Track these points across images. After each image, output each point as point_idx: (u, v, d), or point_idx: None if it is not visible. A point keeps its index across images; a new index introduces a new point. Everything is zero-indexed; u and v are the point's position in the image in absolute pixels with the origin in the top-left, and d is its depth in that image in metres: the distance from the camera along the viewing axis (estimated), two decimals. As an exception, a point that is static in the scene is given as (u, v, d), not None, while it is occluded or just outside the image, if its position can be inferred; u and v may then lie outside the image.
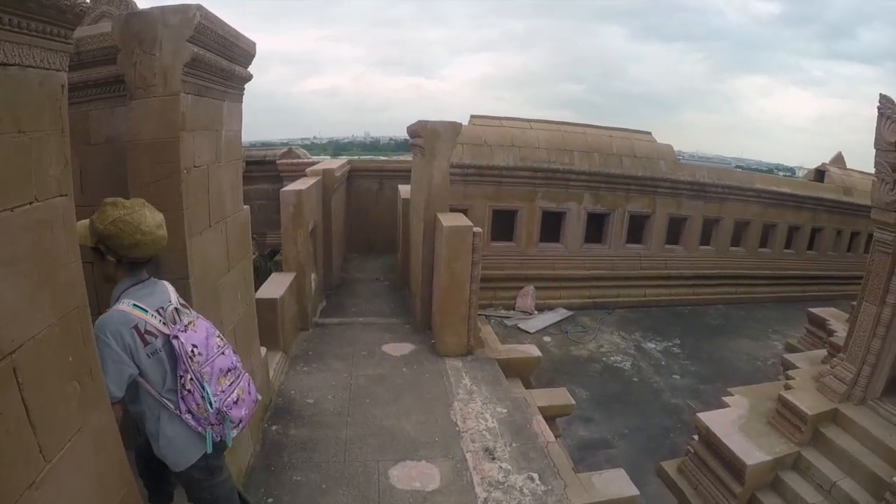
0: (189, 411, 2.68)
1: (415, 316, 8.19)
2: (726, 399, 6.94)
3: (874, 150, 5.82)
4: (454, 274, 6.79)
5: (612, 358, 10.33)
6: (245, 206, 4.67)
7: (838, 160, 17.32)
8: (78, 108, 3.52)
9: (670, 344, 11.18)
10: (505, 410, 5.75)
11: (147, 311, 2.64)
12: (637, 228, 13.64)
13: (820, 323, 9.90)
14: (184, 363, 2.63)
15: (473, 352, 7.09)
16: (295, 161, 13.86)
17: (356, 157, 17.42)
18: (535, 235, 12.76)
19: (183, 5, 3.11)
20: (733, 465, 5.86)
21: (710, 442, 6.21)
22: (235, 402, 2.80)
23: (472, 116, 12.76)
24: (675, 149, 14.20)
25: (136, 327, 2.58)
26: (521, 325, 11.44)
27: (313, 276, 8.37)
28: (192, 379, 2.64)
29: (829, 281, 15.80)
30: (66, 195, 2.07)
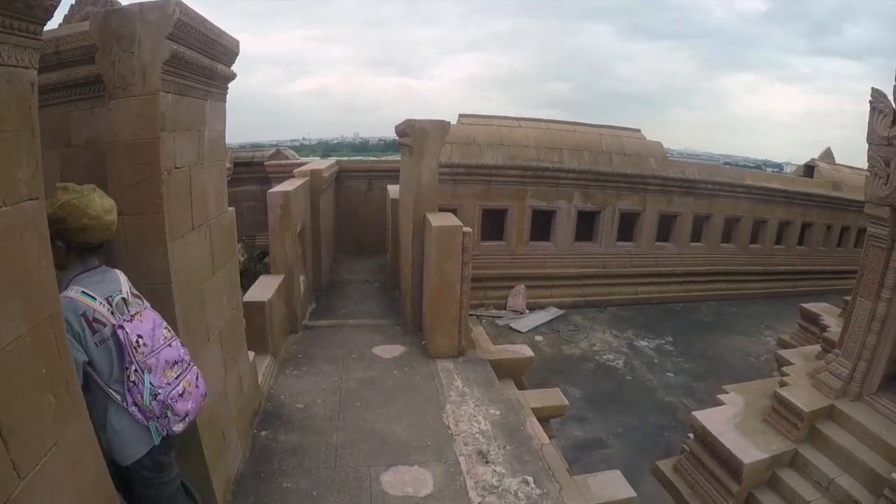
0: (135, 403, 2.62)
1: (405, 317, 8.11)
2: (721, 397, 6.89)
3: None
4: (444, 274, 6.71)
5: (605, 356, 10.28)
6: (230, 208, 4.56)
7: (827, 156, 17.37)
8: (58, 109, 3.44)
9: (663, 341, 11.15)
10: (498, 412, 5.67)
11: (95, 299, 2.60)
12: (628, 226, 13.61)
13: (812, 318, 9.89)
14: (129, 354, 2.59)
15: (465, 353, 7.01)
16: (283, 162, 13.78)
17: (345, 158, 17.34)
18: (526, 234, 12.71)
19: (162, 1, 3.01)
20: (730, 464, 5.81)
21: (706, 440, 6.16)
22: (181, 395, 2.76)
23: (461, 115, 12.69)
24: (664, 146, 14.17)
25: (84, 315, 2.53)
26: (513, 325, 11.37)
27: (302, 278, 8.28)
28: (136, 370, 2.60)
29: (820, 276, 15.89)
30: (37, 198, 1.97)
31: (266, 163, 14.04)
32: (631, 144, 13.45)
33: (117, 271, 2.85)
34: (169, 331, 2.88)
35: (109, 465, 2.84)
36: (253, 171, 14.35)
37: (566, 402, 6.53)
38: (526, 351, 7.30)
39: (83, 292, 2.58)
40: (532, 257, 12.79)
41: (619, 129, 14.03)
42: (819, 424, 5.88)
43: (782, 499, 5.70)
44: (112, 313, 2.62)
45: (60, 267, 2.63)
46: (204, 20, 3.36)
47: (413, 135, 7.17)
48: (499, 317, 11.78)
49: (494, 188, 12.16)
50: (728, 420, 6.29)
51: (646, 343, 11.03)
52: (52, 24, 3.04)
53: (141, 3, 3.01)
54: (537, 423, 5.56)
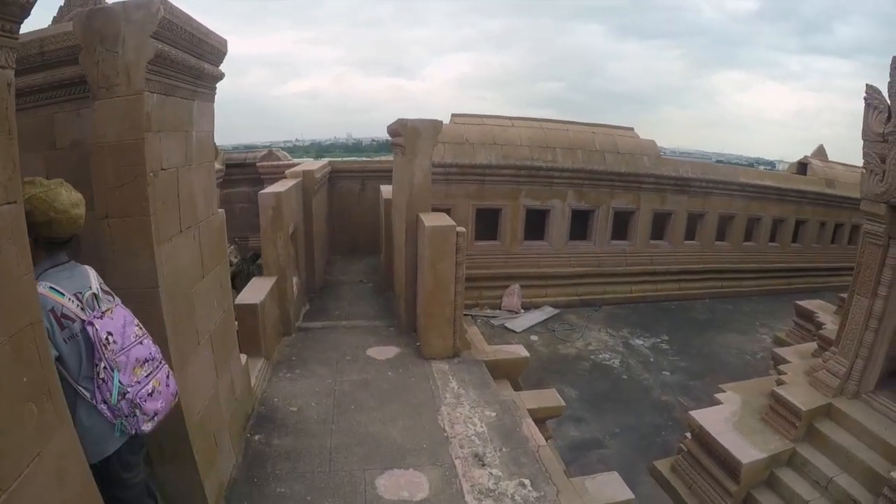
0: (104, 401, 2.57)
1: (399, 318, 8.06)
2: (718, 396, 6.87)
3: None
4: (438, 275, 6.66)
5: (601, 356, 10.24)
6: (220, 210, 4.49)
7: (820, 153, 17.41)
8: (43, 111, 3.38)
9: (658, 340, 11.12)
10: (494, 414, 5.62)
11: (64, 295, 2.54)
12: (622, 225, 13.59)
13: (808, 315, 9.88)
14: (98, 351, 2.54)
15: (460, 354, 6.96)
16: (275, 163, 13.74)
17: (339, 159, 17.30)
18: (520, 234, 12.67)
19: (146, 0, 2.94)
20: (728, 464, 5.78)
21: (704, 440, 6.13)
22: (150, 394, 2.71)
23: (454, 115, 12.65)
24: (657, 145, 14.16)
25: (52, 310, 2.47)
26: (508, 325, 11.32)
27: (295, 279, 8.22)
28: (105, 367, 2.55)
29: (814, 273, 15.91)
30: (15, 202, 1.91)
31: (258, 164, 14.00)
32: (624, 143, 13.43)
33: (87, 267, 2.80)
34: (140, 328, 2.83)
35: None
36: (245, 173, 14.31)
37: (562, 403, 6.49)
38: (521, 351, 7.25)
39: (51, 288, 2.52)
40: (526, 257, 12.76)
41: (612, 127, 14.01)
42: (817, 423, 5.86)
43: (781, 498, 5.67)
44: (82, 309, 2.57)
45: None
46: (190, 19, 3.30)
47: (405, 134, 7.12)
48: (494, 317, 11.73)
49: (488, 188, 12.12)
50: (725, 419, 6.26)
51: (641, 342, 11.00)
52: (43, 24, 2.98)
53: (125, 2, 2.94)
54: (533, 424, 5.50)
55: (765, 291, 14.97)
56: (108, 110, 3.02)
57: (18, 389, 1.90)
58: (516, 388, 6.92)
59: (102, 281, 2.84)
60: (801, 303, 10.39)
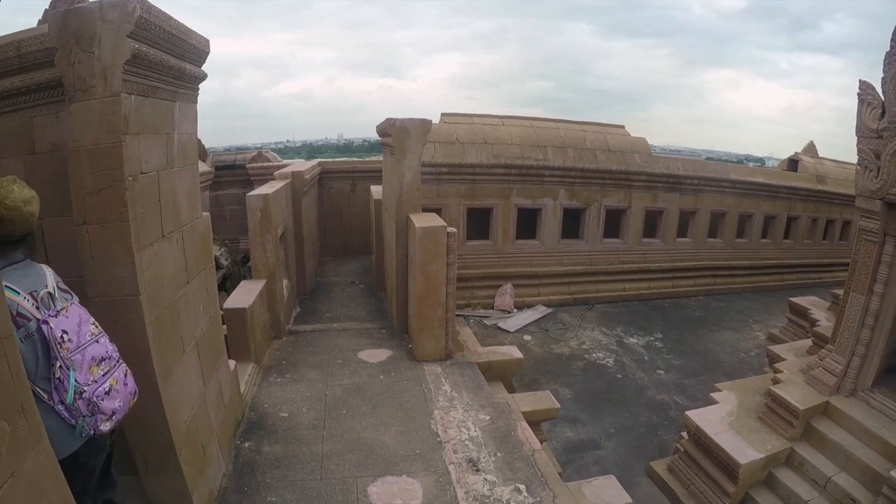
0: (61, 401, 2.51)
1: (391, 320, 7.99)
2: (714, 395, 6.81)
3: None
4: (429, 276, 6.57)
5: (595, 355, 10.17)
6: (205, 214, 4.39)
7: (810, 149, 17.44)
8: (21, 114, 3.29)
9: (652, 338, 11.07)
10: (488, 418, 5.54)
11: (19, 294, 2.49)
12: (614, 223, 13.54)
13: (801, 312, 9.87)
14: (54, 349, 2.49)
15: (452, 356, 6.88)
16: (265, 164, 13.66)
17: (330, 160, 17.24)
18: (512, 233, 12.59)
19: (123, -1, 2.85)
20: (726, 464, 5.73)
21: (701, 441, 6.07)
22: (107, 393, 2.65)
23: (443, 114, 12.58)
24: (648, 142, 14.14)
25: None
26: (501, 325, 11.24)
27: (285, 282, 8.13)
28: (61, 366, 2.50)
29: (807, 269, 15.97)
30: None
31: (248, 165, 13.92)
32: (615, 141, 13.37)
33: (44, 266, 2.75)
34: (96, 327, 2.77)
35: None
36: (235, 174, 14.23)
37: (557, 405, 6.41)
38: (515, 352, 7.17)
39: (6, 286, 2.44)
40: (518, 256, 12.69)
41: (603, 125, 13.95)
42: (814, 422, 5.82)
43: (779, 498, 5.63)
44: (37, 308, 2.52)
45: None
46: (169, 18, 3.20)
47: (394, 134, 7.02)
48: (486, 316, 11.65)
49: (479, 187, 12.04)
50: (722, 419, 6.20)
51: (635, 340, 10.94)
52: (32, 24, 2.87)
53: (100, 2, 2.85)
54: (528, 427, 5.43)
55: (758, 288, 14.99)
56: (85, 113, 2.93)
57: (-12, 407, 1.81)
58: (510, 389, 6.86)
59: (60, 279, 2.79)
60: (794, 299, 10.39)
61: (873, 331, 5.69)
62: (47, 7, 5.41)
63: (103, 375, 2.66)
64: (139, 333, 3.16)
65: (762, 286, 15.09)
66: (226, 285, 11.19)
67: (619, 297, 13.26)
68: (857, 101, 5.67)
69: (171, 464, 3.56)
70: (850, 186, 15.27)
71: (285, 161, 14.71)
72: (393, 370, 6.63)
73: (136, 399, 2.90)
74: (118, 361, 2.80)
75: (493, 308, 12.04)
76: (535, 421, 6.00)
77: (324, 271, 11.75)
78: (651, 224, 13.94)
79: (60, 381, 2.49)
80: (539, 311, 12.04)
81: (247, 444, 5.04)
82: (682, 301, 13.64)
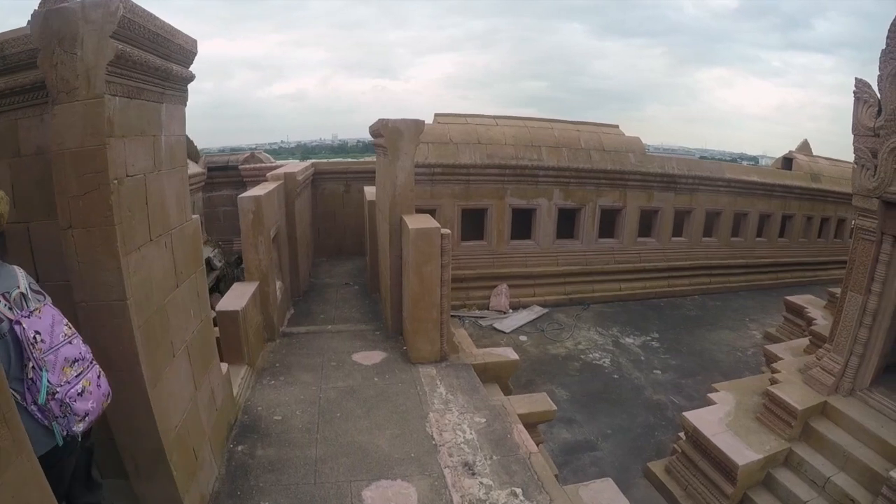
0: (34, 402, 2.49)
1: (385, 321, 7.93)
2: (712, 396, 6.79)
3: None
4: (423, 278, 6.52)
5: (591, 355, 10.14)
6: (194, 216, 4.33)
7: (804, 147, 17.48)
8: (6, 116, 3.22)
9: (649, 338, 11.05)
10: (483, 420, 5.48)
11: None
12: (609, 223, 13.53)
13: (797, 311, 9.85)
14: (27, 350, 2.47)
15: (448, 357, 6.82)
16: (258, 166, 13.63)
17: (324, 160, 17.21)
18: (506, 233, 12.57)
19: (106, -2, 2.79)
20: (724, 466, 5.70)
21: (699, 442, 6.04)
22: (80, 394, 2.62)
23: (437, 115, 12.54)
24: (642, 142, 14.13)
25: None
26: (497, 325, 11.21)
27: (278, 283, 8.07)
28: (34, 367, 2.48)
29: (802, 267, 16.00)
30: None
31: (241, 167, 13.88)
32: (610, 140, 13.36)
33: (15, 267, 2.70)
34: (70, 328, 2.73)
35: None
36: (228, 176, 14.20)
37: (553, 407, 6.35)
38: (511, 354, 7.11)
39: None
40: (513, 256, 12.66)
41: (597, 125, 13.93)
42: (813, 422, 5.79)
43: (778, 499, 5.60)
44: (10, 309, 2.49)
45: None
46: (154, 17, 3.14)
47: (387, 135, 6.97)
48: (482, 317, 11.62)
49: (473, 187, 12.01)
50: (720, 420, 6.18)
51: (631, 340, 10.92)
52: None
53: (83, 1, 2.79)
54: (524, 430, 5.36)
55: (753, 287, 15.01)
56: (68, 115, 2.87)
57: (-33, 418, 1.76)
58: (506, 391, 6.81)
59: (32, 280, 2.75)
60: (790, 298, 10.39)
61: (871, 330, 5.67)
62: (37, 7, 5.36)
63: (76, 376, 2.63)
64: (127, 338, 3.10)
65: (758, 285, 15.11)
66: (220, 287, 11.14)
67: (614, 296, 13.24)
68: (851, 99, 5.65)
69: (162, 469, 3.50)
70: (844, 184, 15.37)
71: (278, 162, 14.68)
72: (387, 372, 6.57)
73: (109, 400, 2.87)
74: (91, 363, 2.77)
75: (488, 309, 12.00)
76: (531, 423, 5.95)
77: (318, 272, 11.70)
78: (646, 223, 13.93)
79: (33, 381, 2.46)
80: (535, 312, 12.01)
81: (240, 448, 4.98)
82: (677, 300, 13.64)
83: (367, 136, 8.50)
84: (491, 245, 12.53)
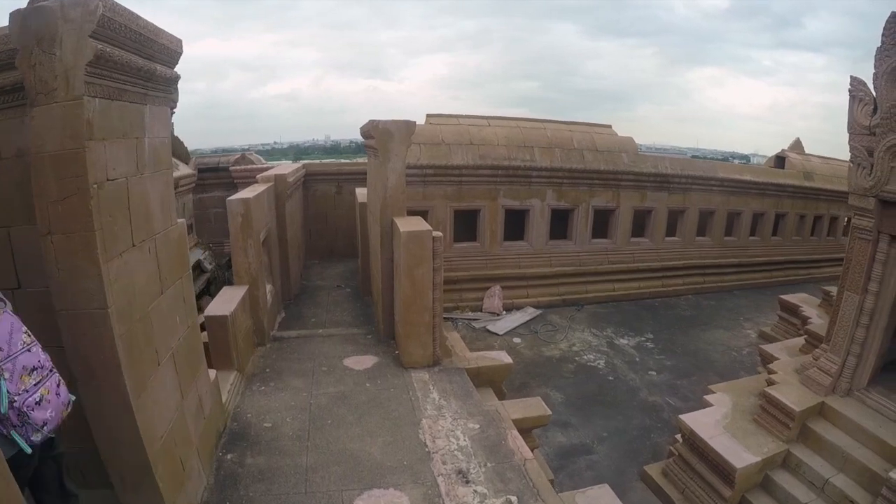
0: None
1: (377, 325, 7.85)
2: (708, 398, 6.74)
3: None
4: (415, 282, 6.44)
5: (586, 357, 10.08)
6: (180, 220, 4.22)
7: (797, 146, 17.50)
8: (-15, 119, 3.11)
9: (643, 339, 11.00)
10: (477, 426, 5.39)
11: None
12: (602, 223, 13.49)
13: (792, 309, 9.82)
14: None
15: (440, 362, 6.74)
16: (248, 167, 13.52)
17: (317, 161, 17.12)
18: (499, 234, 12.50)
19: (86, -4, 2.70)
20: (721, 469, 5.65)
21: (695, 444, 5.98)
22: (38, 403, 2.58)
23: (429, 115, 12.46)
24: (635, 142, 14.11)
25: None
26: (490, 327, 11.13)
27: (269, 286, 7.96)
28: None
29: (795, 265, 16.02)
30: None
31: (232, 168, 13.75)
32: (602, 140, 13.31)
33: None
34: (29, 336, 2.68)
35: None
36: (219, 177, 14.09)
37: (548, 412, 6.27)
38: (504, 357, 7.03)
39: None
40: (506, 257, 12.60)
41: (590, 125, 13.89)
42: (810, 423, 5.74)
43: (776, 501, 5.57)
44: None
45: None
46: (136, 17, 3.04)
47: (377, 136, 6.88)
48: (475, 319, 11.54)
49: (466, 188, 11.93)
50: (717, 422, 6.12)
51: (626, 341, 10.86)
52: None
53: (62, 0, 2.69)
54: (519, 436, 5.28)
55: (747, 285, 15.01)
56: (47, 118, 2.78)
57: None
58: (500, 395, 6.73)
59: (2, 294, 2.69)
60: (785, 297, 10.35)
61: (868, 329, 5.62)
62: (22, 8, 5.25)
63: (35, 385, 2.58)
64: (108, 347, 3.01)
65: (752, 283, 15.11)
66: (210, 289, 11.04)
67: (608, 297, 13.19)
68: (844, 97, 5.61)
69: (147, 480, 3.42)
70: (836, 182, 15.37)
71: (270, 163, 14.58)
72: (379, 377, 6.48)
73: (69, 409, 2.81)
74: (51, 371, 2.72)
75: (481, 310, 11.94)
76: (526, 428, 5.88)
77: (309, 275, 11.59)
78: (639, 223, 13.89)
79: None
80: (528, 313, 11.94)
81: (229, 456, 4.88)
82: (672, 300, 13.61)
83: (359, 137, 8.42)
84: (484, 246, 12.46)
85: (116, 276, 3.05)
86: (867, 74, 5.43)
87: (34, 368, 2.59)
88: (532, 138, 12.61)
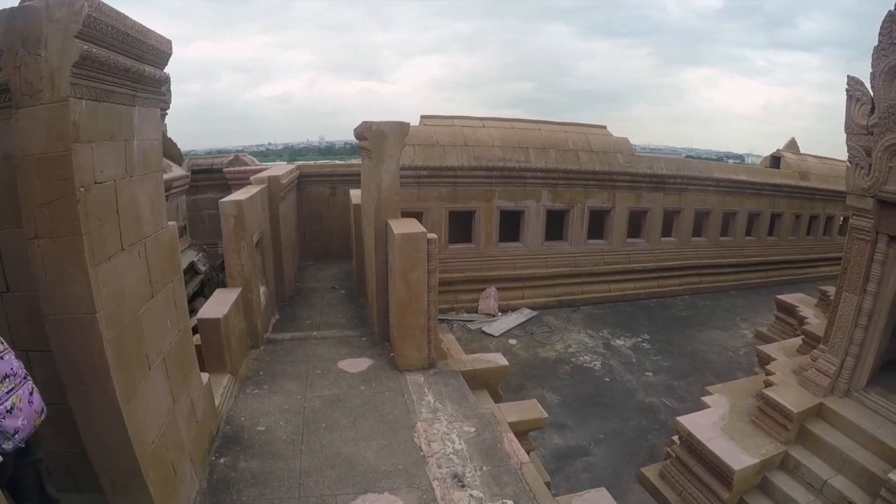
0: None
1: (372, 327, 7.81)
2: (705, 399, 6.71)
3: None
4: (410, 284, 6.39)
5: (582, 358, 10.04)
6: (171, 223, 4.17)
7: (792, 146, 17.48)
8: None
9: (639, 340, 10.96)
10: (473, 429, 5.35)
11: None
12: (598, 224, 13.44)
13: (789, 309, 9.81)
14: None
15: (436, 364, 6.70)
16: (242, 168, 13.44)
17: (311, 162, 17.07)
18: (494, 235, 12.45)
19: (73, -5, 2.65)
20: (719, 471, 5.62)
21: (693, 446, 5.95)
22: (9, 411, 2.58)
23: (423, 116, 12.42)
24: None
25: None
26: (486, 329, 11.08)
27: (262, 288, 7.92)
28: None
29: (791, 265, 16.02)
30: None
31: (225, 169, 13.68)
32: (597, 141, 13.27)
33: None
34: (2, 343, 2.69)
35: None
36: (213, 179, 14.00)
37: (545, 415, 6.23)
38: (500, 360, 6.99)
39: None
40: (502, 258, 12.54)
41: (585, 126, 13.84)
42: (809, 424, 5.72)
43: (775, 503, 5.51)
44: None
45: None
46: (123, 17, 3.00)
47: (371, 138, 6.83)
48: (470, 321, 11.49)
49: (461, 190, 11.88)
50: (714, 424, 6.09)
51: (622, 342, 10.82)
52: None
53: (48, 0, 2.64)
54: (515, 439, 5.24)
55: (743, 285, 14.98)
56: (33, 120, 2.73)
57: None
58: (496, 397, 6.69)
59: None
60: (781, 297, 10.34)
61: (867, 330, 5.60)
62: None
63: (7, 393, 2.57)
64: (97, 353, 2.97)
65: (748, 283, 15.09)
66: (204, 291, 10.96)
67: (604, 298, 13.14)
68: (838, 96, 5.60)
69: (138, 485, 3.38)
70: (832, 182, 15.37)
71: (264, 165, 14.51)
72: (374, 380, 6.43)
73: (43, 417, 2.79)
74: (24, 378, 2.71)
75: (477, 312, 11.88)
76: (522, 431, 5.83)
77: (304, 276, 11.54)
78: (635, 224, 13.85)
79: None
80: (524, 314, 11.90)
81: (222, 460, 4.84)
82: (668, 301, 13.57)
83: (354, 139, 8.37)
84: (479, 247, 12.41)
85: (105, 280, 3.00)
86: (861, 74, 5.42)
87: (6, 376, 2.58)
88: (527, 139, 12.57)
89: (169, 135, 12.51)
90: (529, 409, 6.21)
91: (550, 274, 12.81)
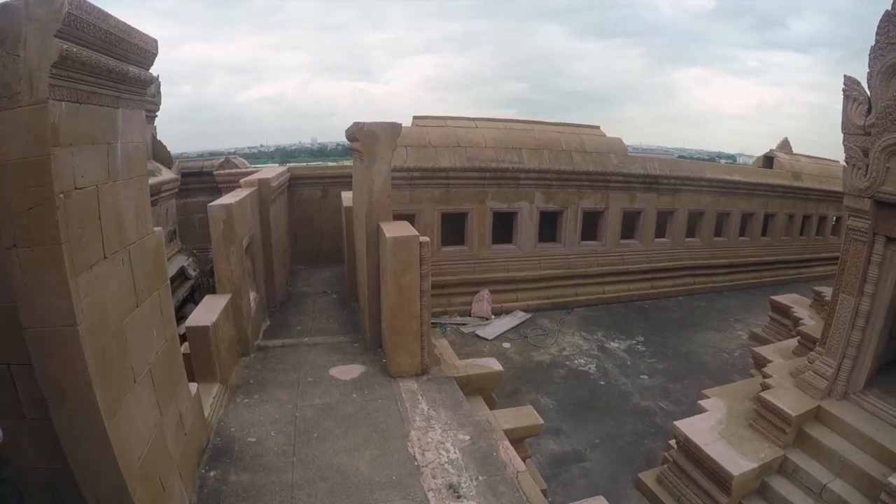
0: None
1: (364, 333, 7.69)
2: (702, 403, 6.64)
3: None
4: (402, 288, 6.28)
5: (576, 361, 9.96)
6: (157, 229, 4.04)
7: (785, 146, 17.52)
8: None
9: (634, 342, 10.90)
10: (468, 438, 5.24)
11: None
12: (591, 225, 13.39)
13: (783, 310, 9.77)
14: None
15: (429, 370, 6.59)
16: (233, 171, 13.33)
17: (303, 164, 16.94)
18: (488, 237, 12.37)
19: (52, -6, 2.52)
20: (717, 475, 5.57)
21: (691, 451, 5.89)
22: None
23: (415, 117, 12.33)
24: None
25: None
26: (479, 332, 10.99)
27: (253, 294, 7.79)
28: None
29: (785, 265, 16.06)
30: None
31: (216, 172, 13.56)
32: (591, 142, 13.21)
33: None
34: None
35: None
36: (203, 182, 13.89)
37: (540, 421, 6.15)
38: (494, 365, 6.89)
39: None
40: (495, 261, 12.47)
41: (578, 126, 13.79)
42: (807, 427, 5.67)
43: (774, 508, 5.45)
44: None
45: None
46: (106, 15, 2.87)
47: (362, 139, 6.71)
48: (464, 324, 11.39)
49: (453, 191, 11.78)
50: (711, 428, 6.02)
51: (617, 344, 10.75)
52: None
53: (27, -2, 2.52)
54: (511, 447, 5.14)
55: (737, 286, 15.01)
56: (11, 123, 2.59)
57: None
58: (491, 403, 6.59)
59: None
60: (776, 298, 10.30)
61: (864, 332, 5.55)
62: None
63: None
64: (79, 366, 2.84)
65: (742, 284, 15.11)
66: (195, 296, 10.84)
67: (598, 299, 13.10)
68: (830, 96, 5.55)
69: (125, 502, 3.23)
70: (825, 182, 15.39)
71: (255, 167, 14.40)
72: (366, 388, 6.31)
73: (2, 442, 2.70)
74: None
75: (470, 315, 11.80)
76: (517, 438, 5.75)
77: (295, 281, 11.41)
78: (629, 225, 13.82)
79: None
80: (517, 317, 11.82)
81: (212, 474, 4.72)
82: (662, 302, 13.54)
83: (346, 140, 8.26)
84: (472, 250, 12.32)
85: (87, 290, 2.87)
86: (854, 73, 5.38)
87: None
88: (520, 140, 12.49)
89: (159, 137, 12.38)
90: (525, 416, 6.12)
91: (544, 276, 12.75)
